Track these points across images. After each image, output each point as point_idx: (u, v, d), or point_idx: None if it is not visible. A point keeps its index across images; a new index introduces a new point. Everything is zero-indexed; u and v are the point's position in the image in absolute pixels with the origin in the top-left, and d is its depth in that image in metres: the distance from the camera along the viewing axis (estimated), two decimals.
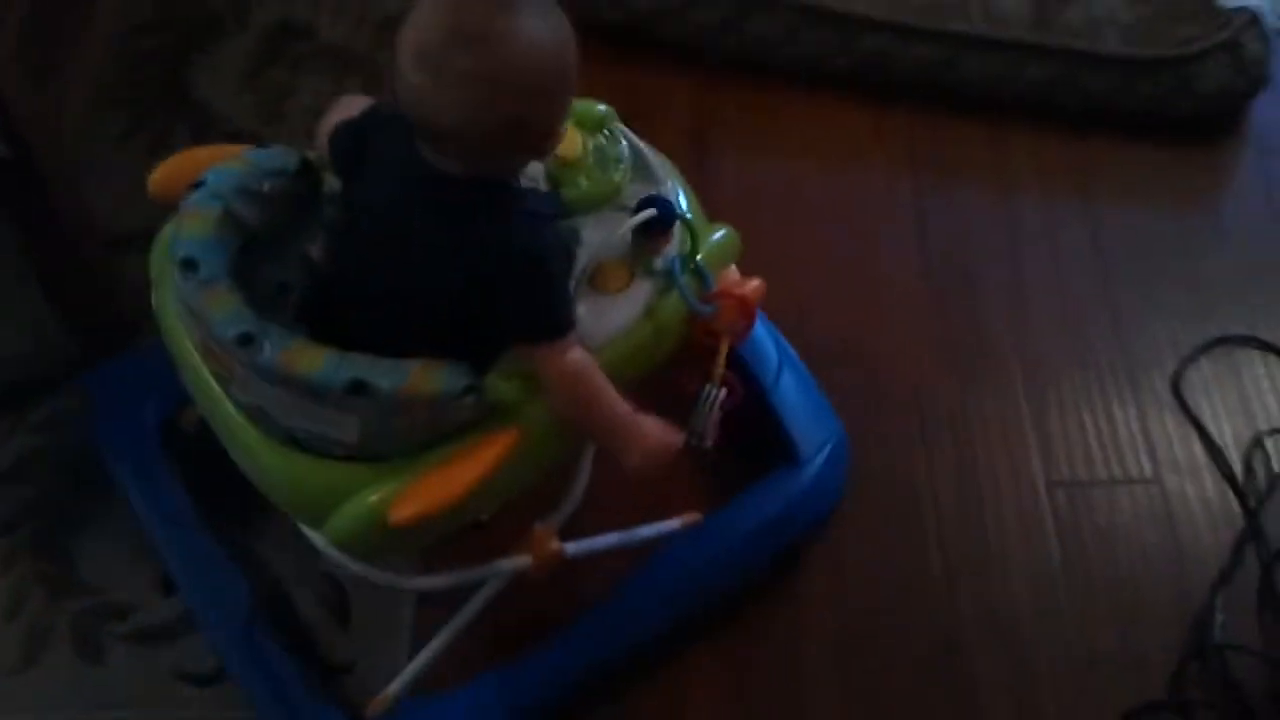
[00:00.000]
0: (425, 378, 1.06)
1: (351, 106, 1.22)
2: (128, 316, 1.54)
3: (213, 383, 1.13)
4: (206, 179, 1.13)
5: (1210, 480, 1.61)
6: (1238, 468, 1.61)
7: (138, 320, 1.55)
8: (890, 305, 1.74)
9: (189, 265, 1.08)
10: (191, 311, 1.09)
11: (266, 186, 1.15)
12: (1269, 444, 1.63)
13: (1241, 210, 1.91)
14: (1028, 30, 1.90)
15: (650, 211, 1.21)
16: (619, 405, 1.15)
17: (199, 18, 1.93)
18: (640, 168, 1.28)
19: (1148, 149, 1.93)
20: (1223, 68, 1.90)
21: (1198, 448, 1.64)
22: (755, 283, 1.27)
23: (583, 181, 1.25)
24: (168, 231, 1.17)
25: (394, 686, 1.28)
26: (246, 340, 1.04)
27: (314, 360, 1.04)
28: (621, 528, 1.36)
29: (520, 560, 1.26)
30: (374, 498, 1.08)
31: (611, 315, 1.19)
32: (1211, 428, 1.65)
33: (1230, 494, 1.60)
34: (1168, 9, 1.93)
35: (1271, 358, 1.73)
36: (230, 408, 1.12)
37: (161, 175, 1.21)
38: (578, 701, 1.37)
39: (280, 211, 1.16)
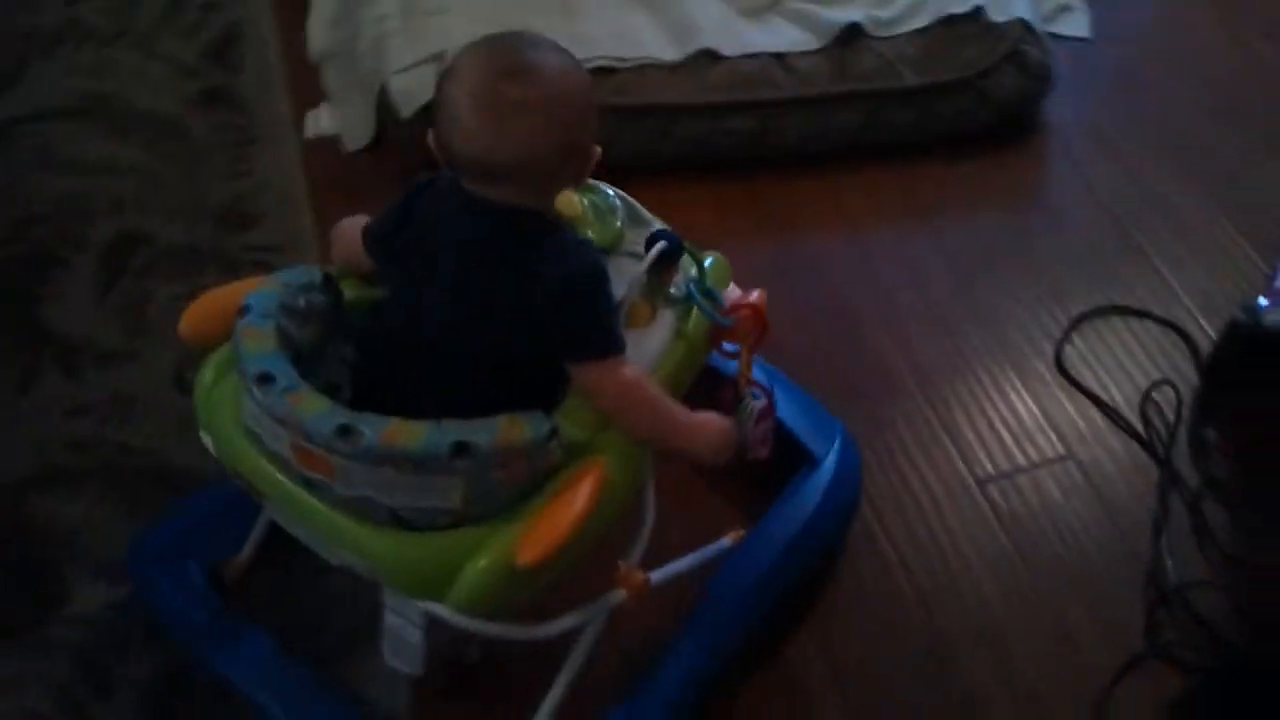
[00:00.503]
0: (514, 428, 1.12)
1: (355, 222, 1.30)
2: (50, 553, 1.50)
3: (303, 492, 1.16)
4: (250, 304, 1.19)
5: (1117, 442, 1.72)
6: (1138, 424, 1.72)
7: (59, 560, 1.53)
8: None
9: (265, 379, 1.12)
10: (280, 421, 1.12)
11: (303, 302, 1.22)
12: (1157, 396, 1.75)
13: (1061, 195, 2.07)
14: (830, 83, 2.03)
15: (662, 244, 1.30)
16: (679, 408, 1.25)
17: (33, 255, 1.89)
18: (631, 214, 1.38)
19: (965, 162, 2.07)
20: (1012, 76, 2.06)
21: (1096, 416, 1.74)
22: (759, 292, 1.37)
23: (589, 233, 1.33)
24: (209, 372, 1.23)
25: None
26: (346, 431, 1.08)
27: (414, 434, 1.09)
28: (667, 560, 1.38)
29: (616, 595, 1.28)
30: (493, 553, 1.13)
31: (647, 346, 1.29)
32: (1103, 395, 1.76)
33: (1139, 449, 1.70)
34: (947, 36, 2.09)
35: (1132, 319, 1.86)
36: (327, 509, 1.15)
37: (190, 319, 1.27)
38: None
39: (317, 322, 1.23)
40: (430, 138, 1.20)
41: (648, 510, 1.34)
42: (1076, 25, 2.33)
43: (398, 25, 2.07)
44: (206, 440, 1.25)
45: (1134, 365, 1.80)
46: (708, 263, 1.35)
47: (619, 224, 1.36)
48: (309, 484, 1.15)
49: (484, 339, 1.19)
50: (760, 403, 1.36)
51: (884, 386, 1.77)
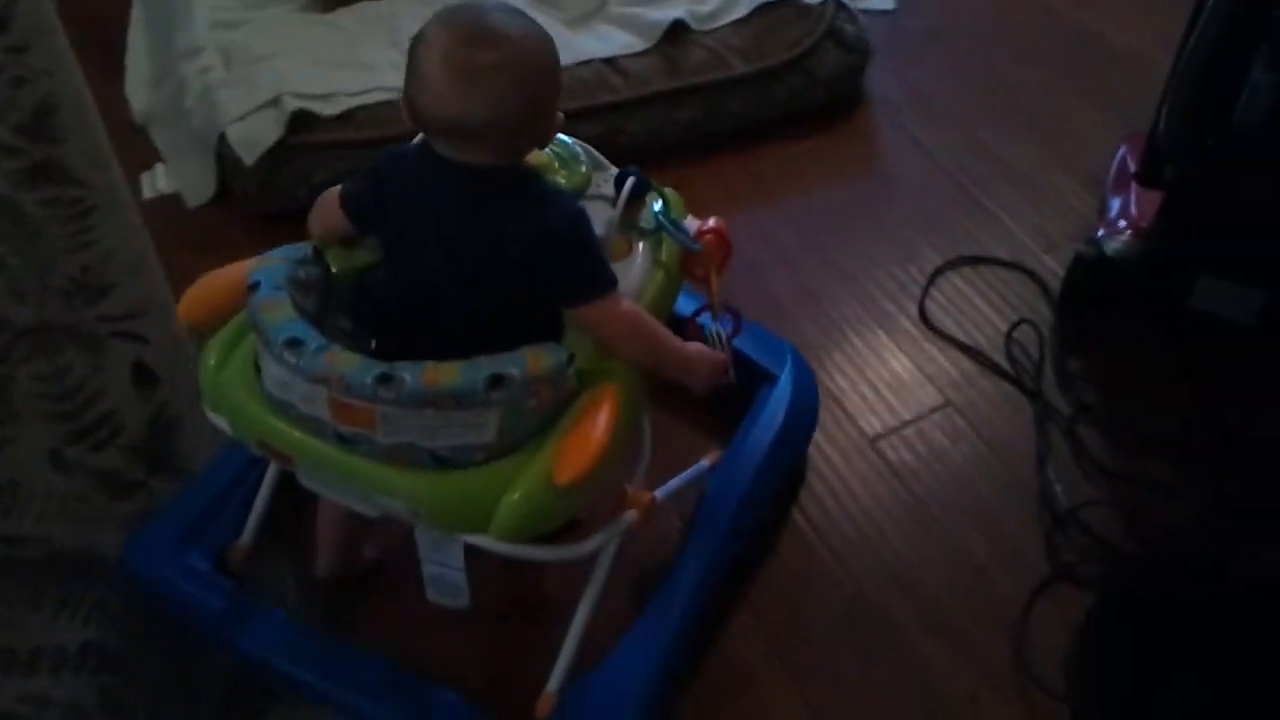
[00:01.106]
0: (539, 358, 1.19)
1: (334, 192, 1.34)
2: None
3: (340, 450, 1.20)
4: (260, 279, 1.23)
5: (989, 384, 1.80)
6: (1005, 364, 1.81)
7: None
8: None
9: (295, 344, 1.17)
10: (319, 380, 1.16)
11: (303, 274, 1.27)
12: (1018, 335, 1.84)
13: (896, 160, 2.16)
14: (665, 81, 2.08)
15: (632, 181, 1.37)
16: (674, 338, 1.34)
17: None
18: (591, 159, 1.44)
19: (803, 141, 2.15)
20: (833, 53, 2.15)
21: (966, 362, 1.83)
22: (716, 219, 1.45)
23: (560, 179, 1.40)
24: (212, 356, 1.28)
25: (554, 683, 1.37)
26: (387, 379, 1.14)
27: (451, 372, 1.15)
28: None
29: (628, 516, 1.35)
30: (529, 481, 1.19)
31: (631, 276, 1.36)
32: (969, 341, 1.85)
33: (1010, 387, 1.79)
34: (768, 23, 2.16)
35: (982, 267, 1.96)
36: (368, 462, 1.20)
37: (189, 302, 1.32)
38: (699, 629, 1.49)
39: (315, 293, 1.28)
40: (401, 105, 1.23)
41: (645, 438, 1.43)
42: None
43: (224, 76, 2.05)
44: (220, 422, 1.30)
45: (992, 310, 1.89)
46: (668, 192, 1.44)
47: (584, 168, 1.42)
48: (345, 440, 1.20)
49: (478, 295, 1.24)
50: (728, 329, 1.46)
51: None
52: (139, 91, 2.23)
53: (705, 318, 1.46)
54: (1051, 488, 1.65)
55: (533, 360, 1.18)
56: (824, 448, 1.72)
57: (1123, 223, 1.84)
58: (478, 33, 1.19)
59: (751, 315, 1.84)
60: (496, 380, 1.15)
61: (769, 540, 1.62)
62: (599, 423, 1.22)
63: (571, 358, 1.22)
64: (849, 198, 2.09)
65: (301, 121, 1.97)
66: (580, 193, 1.40)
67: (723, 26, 2.16)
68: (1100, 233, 1.83)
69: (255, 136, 1.95)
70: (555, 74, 1.24)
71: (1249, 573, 1.58)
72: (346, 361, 1.16)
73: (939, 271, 1.95)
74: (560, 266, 1.23)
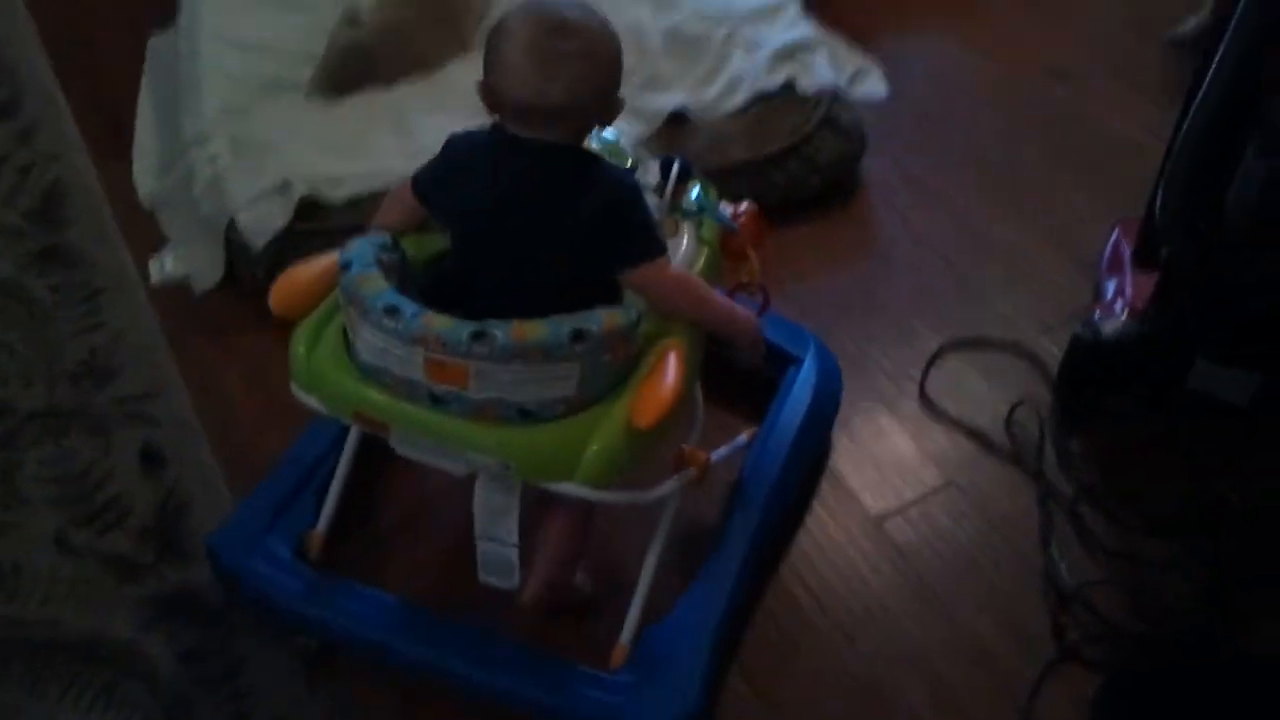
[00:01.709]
0: (612, 316, 1.33)
1: (403, 185, 1.50)
2: None
3: (432, 411, 1.33)
4: (351, 258, 1.37)
5: (992, 464, 1.82)
6: (1007, 444, 1.83)
7: None
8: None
9: (393, 310, 1.30)
10: (417, 341, 1.29)
11: (385, 257, 1.40)
12: (1019, 415, 1.87)
13: (893, 244, 2.20)
14: None
15: (678, 166, 1.55)
16: (722, 296, 1.49)
17: None
18: (635, 152, 1.60)
19: (802, 226, 2.18)
20: (830, 140, 2.19)
21: (968, 443, 1.85)
22: (749, 202, 1.63)
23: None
24: (301, 345, 1.41)
25: (626, 634, 1.51)
26: (480, 335, 1.27)
27: (537, 328, 1.28)
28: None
29: (688, 472, 1.48)
30: (611, 430, 1.33)
31: (680, 252, 1.51)
32: (970, 422, 1.87)
33: (1012, 467, 1.81)
34: (766, 112, 2.21)
35: (980, 349, 1.98)
36: (460, 419, 1.33)
37: (279, 294, 1.45)
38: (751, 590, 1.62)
39: (395, 276, 1.39)
40: (479, 89, 1.39)
41: (698, 403, 1.60)
42: (875, 87, 2.47)
43: (232, 163, 2.08)
44: (312, 402, 1.43)
45: (992, 391, 1.92)
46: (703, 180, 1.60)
47: (629, 160, 1.55)
48: (438, 400, 1.32)
49: (549, 262, 1.37)
50: (761, 301, 1.59)
51: None
52: (147, 177, 2.26)
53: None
54: (1056, 567, 1.66)
55: (607, 318, 1.32)
56: (829, 527, 1.73)
57: (1118, 305, 1.88)
58: (559, 24, 1.35)
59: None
60: (578, 335, 1.29)
61: (770, 611, 1.63)
62: (670, 372, 1.35)
63: (640, 317, 1.36)
64: (848, 281, 2.12)
65: (310, 207, 2.00)
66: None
67: (722, 114, 2.21)
68: (1096, 315, 1.86)
69: (264, 222, 1.98)
70: (619, 65, 1.40)
71: (1252, 648, 1.59)
72: (442, 323, 1.29)
73: (938, 353, 1.97)
74: (620, 231, 1.37)
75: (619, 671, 1.49)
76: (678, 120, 2.18)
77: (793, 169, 2.17)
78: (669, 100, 2.19)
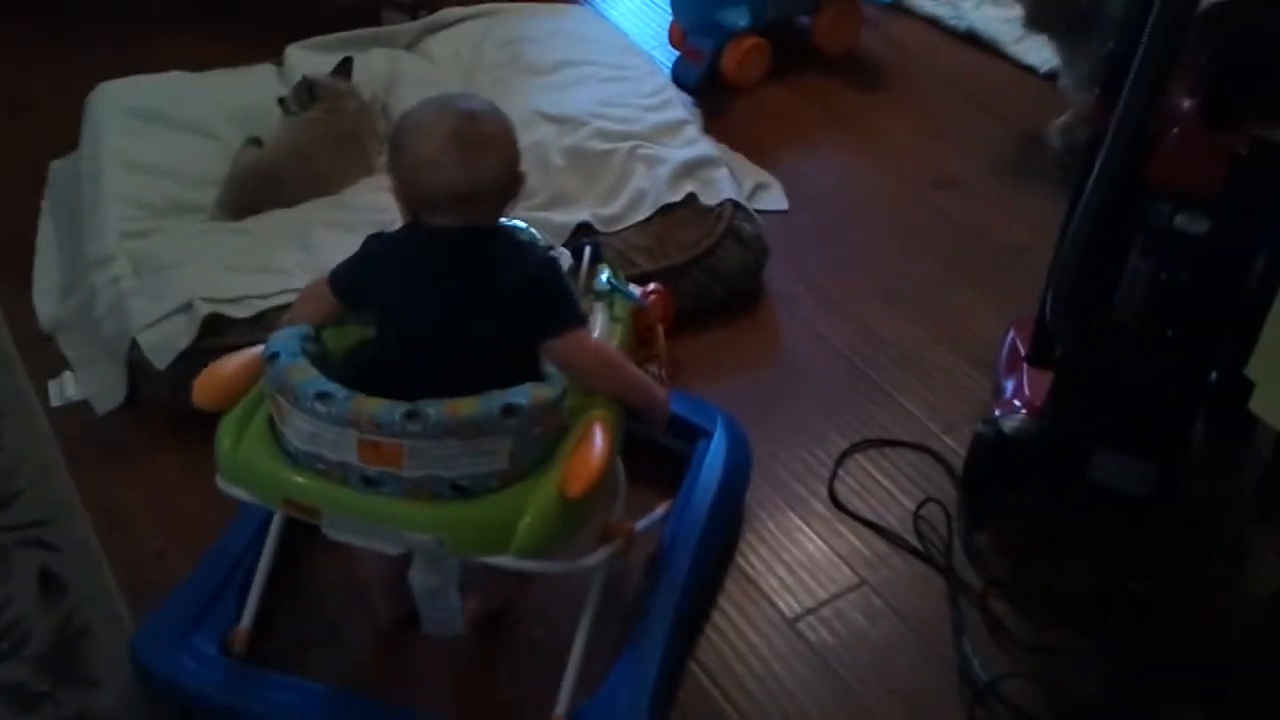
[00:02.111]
0: (539, 390, 1.38)
1: (317, 282, 1.56)
2: None
3: (366, 494, 1.35)
4: (278, 349, 1.40)
5: (901, 562, 1.84)
6: (915, 542, 1.86)
7: None
8: None
9: (325, 396, 1.33)
10: (350, 423, 1.32)
11: (309, 348, 1.43)
12: (925, 513, 1.90)
13: (797, 350, 2.23)
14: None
15: (590, 250, 1.66)
16: (636, 369, 1.56)
17: None
18: (544, 237, 1.65)
19: (707, 334, 2.21)
20: (733, 251, 2.24)
21: (877, 541, 1.87)
22: (656, 284, 1.75)
23: None
24: (226, 438, 1.43)
25: (561, 708, 1.52)
26: (414, 414, 1.31)
27: (469, 404, 1.33)
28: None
29: (615, 543, 1.52)
30: (543, 502, 1.36)
31: (595, 331, 1.58)
32: (878, 521, 1.90)
33: (921, 564, 1.83)
34: (670, 223, 2.26)
35: (887, 449, 2.02)
36: (394, 500, 1.35)
37: (202, 387, 1.48)
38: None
39: (316, 366, 1.40)
40: (394, 190, 1.48)
41: (620, 476, 1.62)
42: (775, 200, 2.56)
43: (134, 284, 2.07)
44: (240, 494, 1.45)
45: (899, 489, 1.95)
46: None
47: (542, 242, 1.62)
48: (371, 482, 1.35)
49: (472, 338, 1.43)
50: (665, 371, 1.68)
51: None
52: (47, 301, 2.23)
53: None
54: (969, 662, 1.67)
55: (536, 392, 1.37)
56: (743, 630, 1.73)
57: (1017, 402, 1.93)
58: (469, 114, 1.46)
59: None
60: (509, 409, 1.33)
61: None
62: (596, 442, 1.40)
63: (565, 391, 1.41)
64: (754, 386, 2.15)
65: (214, 325, 1.99)
66: None
67: (627, 228, 2.25)
68: (997, 413, 1.91)
69: (167, 341, 1.96)
70: (516, 146, 1.50)
71: None
72: (375, 404, 1.32)
73: (845, 454, 2.00)
74: (543, 302, 1.45)
75: None
76: (583, 233, 2.20)
77: (698, 278, 2.21)
78: (574, 216, 2.22)
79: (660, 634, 1.60)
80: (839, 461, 1.99)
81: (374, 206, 2.15)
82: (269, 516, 1.65)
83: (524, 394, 1.36)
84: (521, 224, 1.64)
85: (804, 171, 2.68)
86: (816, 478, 1.97)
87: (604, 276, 1.65)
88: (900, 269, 2.41)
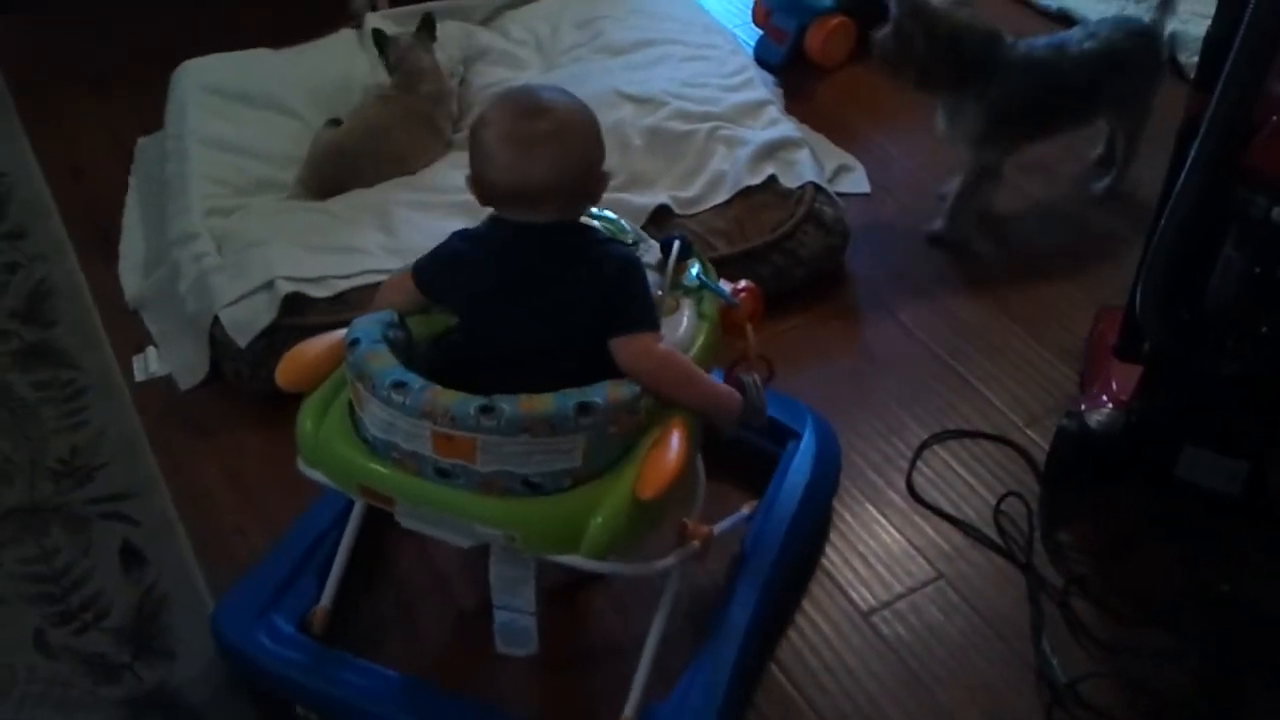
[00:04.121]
0: (616, 389, 1.36)
1: (402, 272, 1.55)
2: None
3: (438, 485, 1.35)
4: (359, 335, 1.40)
5: (980, 556, 1.80)
6: (995, 537, 1.82)
7: None
8: None
9: (401, 386, 1.32)
10: (424, 415, 1.31)
11: (391, 335, 1.43)
12: (1006, 507, 1.86)
13: (878, 337, 2.20)
14: None
15: (678, 245, 1.59)
16: (706, 375, 1.50)
17: None
18: (635, 231, 1.64)
19: (788, 320, 2.18)
20: (814, 235, 2.21)
21: (956, 535, 1.83)
22: (746, 280, 1.67)
23: None
24: (308, 420, 1.43)
25: (630, 709, 1.50)
26: (488, 409, 1.29)
27: (544, 401, 1.31)
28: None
29: (692, 546, 1.49)
30: (615, 503, 1.34)
31: (680, 328, 1.54)
32: (957, 514, 1.86)
33: (1001, 560, 1.79)
34: (750, 207, 2.23)
35: (968, 441, 1.98)
36: (466, 493, 1.35)
37: (286, 368, 1.48)
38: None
39: (400, 353, 1.41)
40: (468, 183, 1.45)
41: (700, 478, 1.60)
42: (857, 182, 2.52)
43: (218, 262, 2.09)
44: (318, 476, 1.46)
45: (979, 483, 1.91)
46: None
47: (630, 238, 1.60)
48: (444, 474, 1.34)
49: (548, 336, 1.42)
50: (762, 375, 1.61)
51: None
52: (132, 276, 2.27)
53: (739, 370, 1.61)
54: (1048, 661, 1.64)
55: (612, 391, 1.35)
56: (817, 622, 1.71)
57: (1104, 396, 1.88)
58: (531, 107, 1.42)
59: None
60: (584, 408, 1.31)
61: (762, 713, 1.60)
62: (673, 445, 1.37)
63: (641, 391, 1.38)
64: (834, 374, 2.12)
65: (294, 304, 2.00)
66: None
67: (706, 211, 2.23)
68: (1082, 406, 1.86)
69: (249, 320, 1.98)
70: (599, 137, 1.46)
71: None
72: (450, 397, 1.31)
73: (925, 445, 1.97)
74: (615, 298, 1.42)
75: None
76: (662, 216, 2.19)
77: (777, 263, 2.18)
78: (652, 198, 2.21)
79: (736, 638, 1.57)
80: (918, 452, 1.96)
81: (452, 186, 2.15)
82: (351, 499, 1.65)
83: (600, 392, 1.34)
84: (612, 215, 1.62)
85: (888, 153, 2.63)
86: (895, 468, 1.94)
87: (694, 271, 1.61)
88: (985, 254, 2.36)
